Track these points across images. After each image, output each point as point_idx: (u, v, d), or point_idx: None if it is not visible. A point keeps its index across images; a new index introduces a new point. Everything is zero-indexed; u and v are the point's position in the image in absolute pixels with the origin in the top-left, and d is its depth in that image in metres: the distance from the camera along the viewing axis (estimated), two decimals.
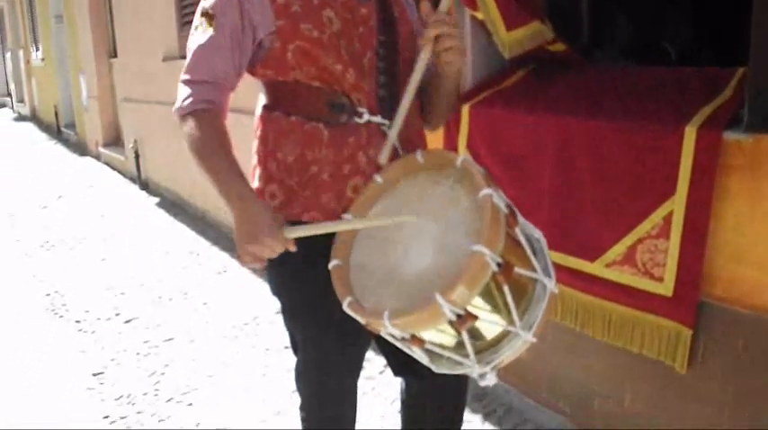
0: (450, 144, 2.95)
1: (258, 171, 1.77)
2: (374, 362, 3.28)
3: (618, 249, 2.40)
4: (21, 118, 18.87)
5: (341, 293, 1.52)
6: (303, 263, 1.66)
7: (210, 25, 1.67)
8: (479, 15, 2.85)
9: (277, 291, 1.88)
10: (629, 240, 2.37)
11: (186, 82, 1.68)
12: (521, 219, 1.53)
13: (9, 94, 21.73)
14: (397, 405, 2.16)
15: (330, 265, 1.58)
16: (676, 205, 2.20)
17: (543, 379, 2.87)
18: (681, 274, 2.24)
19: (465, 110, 2.89)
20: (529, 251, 1.48)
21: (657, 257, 2.29)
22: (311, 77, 1.67)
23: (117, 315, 4.43)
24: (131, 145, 8.41)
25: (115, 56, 9.57)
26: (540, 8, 3.05)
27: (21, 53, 17.81)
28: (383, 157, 1.66)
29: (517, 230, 1.47)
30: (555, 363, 2.80)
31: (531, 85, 2.94)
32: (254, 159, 1.79)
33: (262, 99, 1.78)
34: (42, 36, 14.42)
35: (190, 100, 1.65)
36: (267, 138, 1.75)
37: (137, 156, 8.28)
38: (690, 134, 2.15)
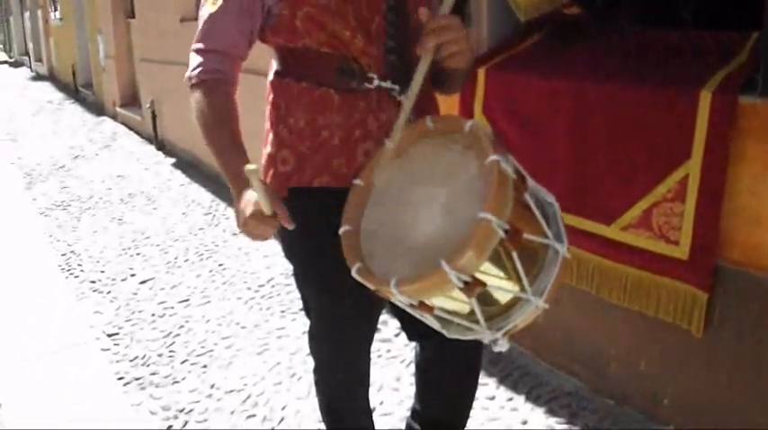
0: (466, 107, 2.94)
1: (270, 136, 1.79)
2: (389, 325, 3.31)
3: (633, 212, 2.41)
4: (38, 77, 18.94)
5: (350, 260, 1.53)
6: (314, 227, 1.68)
7: None
8: None
9: (289, 254, 1.89)
10: (644, 203, 2.37)
11: (197, 51, 1.70)
12: (531, 183, 1.51)
13: (27, 54, 21.80)
14: (413, 367, 2.18)
15: (340, 231, 1.58)
16: (692, 169, 2.21)
17: (559, 342, 2.89)
18: (696, 238, 2.25)
19: (480, 73, 2.88)
20: (540, 216, 1.47)
21: (673, 221, 2.30)
22: (320, 43, 1.67)
23: (132, 276, 4.48)
24: (148, 105, 8.43)
25: (133, 16, 9.54)
26: None
27: (39, 13, 17.84)
28: (396, 133, 1.63)
29: (526, 196, 1.45)
30: (571, 327, 2.82)
31: (547, 48, 2.92)
32: (267, 124, 1.81)
33: (273, 65, 1.79)
34: None
35: (200, 69, 1.67)
36: (279, 104, 1.76)
37: (153, 117, 8.30)
38: (705, 98, 2.14)
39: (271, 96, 1.79)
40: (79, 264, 4.77)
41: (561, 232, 1.53)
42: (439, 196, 1.49)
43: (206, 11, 1.71)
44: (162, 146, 8.26)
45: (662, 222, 2.33)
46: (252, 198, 1.51)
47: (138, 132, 9.35)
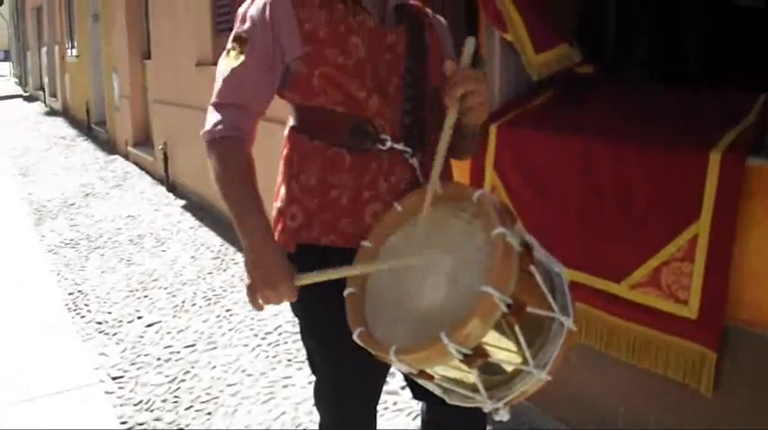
0: (478, 163, 3.00)
1: (282, 191, 1.83)
2: (397, 377, 3.32)
3: (643, 271, 2.45)
4: (52, 112, 19.18)
5: (352, 323, 1.57)
6: (321, 286, 1.69)
7: (243, 50, 1.73)
8: (508, 37, 2.92)
9: (294, 309, 1.92)
10: (654, 262, 2.42)
11: (216, 105, 1.75)
12: (540, 253, 1.55)
13: (42, 88, 22.12)
14: (419, 421, 2.21)
15: (345, 293, 1.62)
16: (701, 229, 2.26)
17: (568, 398, 2.90)
18: (705, 297, 2.29)
19: (492, 129, 2.94)
20: (545, 289, 1.49)
21: (682, 280, 2.34)
22: (336, 103, 1.72)
23: (139, 318, 4.51)
24: (160, 146, 8.54)
25: (149, 57, 9.72)
26: (569, 29, 3.11)
27: (56, 48, 18.14)
28: (425, 208, 1.64)
29: (533, 268, 1.47)
30: (580, 383, 2.84)
31: (558, 105, 3.00)
32: (279, 178, 1.85)
33: (290, 120, 1.84)
34: (78, 33, 14.67)
35: (219, 126, 1.71)
36: (292, 159, 1.80)
37: (165, 158, 8.40)
38: (714, 159, 2.20)
39: (285, 150, 1.83)
40: (86, 304, 4.81)
41: (568, 304, 1.55)
42: (444, 264, 1.52)
43: (227, 65, 1.76)
44: (173, 187, 8.34)
45: (671, 281, 2.37)
46: (280, 270, 1.61)
47: (149, 173, 9.45)
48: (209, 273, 5.37)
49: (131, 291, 5.04)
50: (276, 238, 1.77)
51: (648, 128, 2.57)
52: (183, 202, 7.76)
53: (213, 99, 1.76)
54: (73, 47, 15.66)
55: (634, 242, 2.47)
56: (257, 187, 1.71)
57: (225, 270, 5.44)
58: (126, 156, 10.84)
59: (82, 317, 4.60)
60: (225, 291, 4.97)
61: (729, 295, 2.25)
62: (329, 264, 1.66)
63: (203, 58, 6.98)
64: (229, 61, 1.76)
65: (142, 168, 9.85)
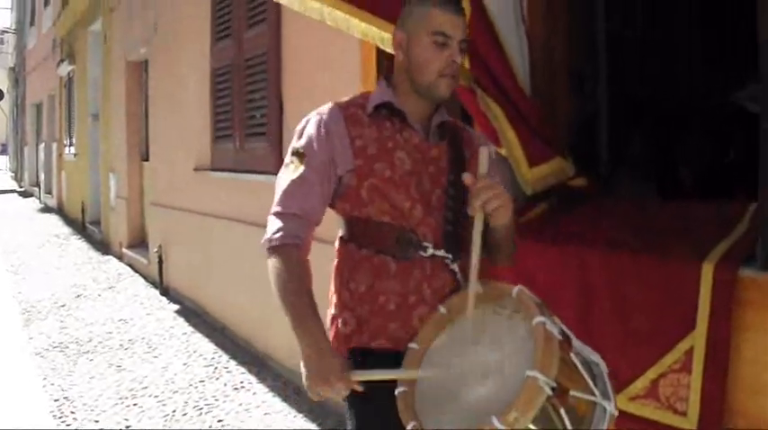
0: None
1: (334, 298, 2.02)
2: None
3: (641, 383, 2.51)
4: (47, 209, 19.34)
5: (405, 418, 1.70)
6: (371, 387, 1.85)
7: (301, 163, 1.97)
8: (502, 152, 3.06)
9: (347, 410, 2.04)
10: (652, 374, 2.49)
11: (277, 214, 1.96)
12: (578, 343, 1.70)
13: (38, 185, 22.42)
14: None
15: (396, 392, 1.77)
16: (697, 340, 2.34)
17: None
18: (704, 408, 2.35)
19: None
20: (586, 375, 1.63)
21: (680, 391, 2.40)
22: (382, 213, 1.94)
23: (128, 427, 4.50)
24: (156, 250, 8.62)
25: (147, 159, 9.93)
26: (562, 142, 3.27)
27: (54, 146, 18.48)
28: (469, 310, 1.79)
29: (572, 355, 1.62)
30: None
31: (554, 217, 3.12)
32: (331, 287, 2.04)
33: (339, 232, 2.04)
34: (77, 132, 14.96)
35: (280, 234, 1.93)
36: (342, 269, 2.01)
37: (160, 262, 8.47)
38: (707, 270, 2.31)
39: (336, 261, 2.03)
40: (72, 412, 4.80)
41: (608, 390, 1.69)
42: (489, 358, 1.66)
43: (287, 176, 1.99)
44: (166, 291, 8.39)
45: (669, 393, 2.44)
46: (339, 368, 1.79)
47: (143, 275, 9.49)
48: (202, 381, 5.37)
49: (120, 399, 5.02)
50: (330, 342, 1.93)
51: (642, 238, 2.68)
52: (176, 307, 7.77)
53: (273, 208, 1.97)
54: (71, 145, 15.94)
55: (631, 353, 2.54)
56: (312, 292, 1.89)
57: (218, 378, 5.44)
58: (120, 258, 10.92)
59: (67, 425, 4.58)
60: (217, 400, 4.96)
61: (727, 405, 2.31)
62: (380, 366, 1.84)
63: (201, 163, 7.16)
64: (288, 174, 1.99)
65: (136, 271, 9.90)
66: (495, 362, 1.64)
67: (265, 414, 4.64)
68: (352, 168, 1.96)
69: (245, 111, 6.08)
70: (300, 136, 2.03)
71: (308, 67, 5.01)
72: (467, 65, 2.88)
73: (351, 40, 3.06)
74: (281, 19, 5.39)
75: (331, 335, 2.00)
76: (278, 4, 2.74)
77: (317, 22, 2.76)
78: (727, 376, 2.31)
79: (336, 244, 2.06)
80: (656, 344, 2.46)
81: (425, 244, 1.95)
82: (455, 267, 1.98)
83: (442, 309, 1.86)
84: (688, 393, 2.38)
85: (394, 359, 1.85)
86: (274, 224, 1.95)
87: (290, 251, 1.92)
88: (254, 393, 5.06)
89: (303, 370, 1.83)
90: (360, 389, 1.82)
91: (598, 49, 3.94)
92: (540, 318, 1.58)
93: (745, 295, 2.28)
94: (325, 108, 2.05)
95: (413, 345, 1.83)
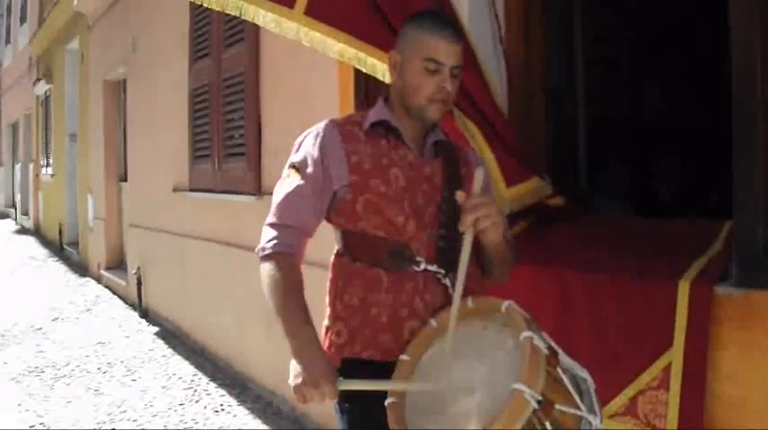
0: None
1: (328, 310, 2.07)
2: None
3: (620, 400, 2.54)
4: (23, 230, 19.24)
5: (393, 427, 1.75)
6: (362, 395, 1.87)
7: (297, 176, 2.03)
8: None
9: (339, 415, 2.08)
10: (630, 391, 2.51)
11: (272, 224, 2.03)
12: (566, 359, 1.73)
13: (14, 206, 22.28)
14: None
15: (386, 402, 1.80)
16: (674, 357, 2.38)
17: None
18: (682, 425, 2.38)
19: None
20: (572, 390, 1.66)
21: (659, 409, 2.44)
22: (376, 227, 1.99)
23: None
24: (134, 271, 8.60)
25: (125, 179, 9.92)
26: (540, 161, 3.31)
27: (31, 166, 18.38)
28: (451, 325, 1.82)
29: (559, 370, 1.65)
30: None
31: (531, 237, 3.14)
32: (327, 299, 2.08)
33: (335, 245, 2.09)
34: (55, 152, 14.89)
35: (274, 241, 1.99)
36: (337, 281, 2.07)
37: (139, 283, 8.44)
38: (683, 288, 2.36)
39: (331, 274, 2.09)
40: None
41: (595, 406, 1.73)
42: (477, 371, 1.71)
43: (283, 189, 2.06)
44: (145, 314, 8.35)
45: (648, 410, 2.47)
46: (328, 373, 1.82)
47: (121, 297, 9.45)
48: (181, 405, 5.35)
49: (98, 424, 4.99)
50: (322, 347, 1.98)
51: (620, 257, 2.72)
52: (155, 329, 7.74)
53: (268, 219, 2.04)
54: (48, 165, 15.86)
55: (610, 371, 2.56)
56: (304, 299, 1.95)
57: (197, 401, 5.42)
58: (98, 280, 10.86)
59: None
60: (197, 423, 4.95)
61: (705, 421, 2.35)
62: (370, 376, 1.88)
63: (180, 183, 7.14)
64: (284, 186, 2.07)
65: (114, 292, 9.86)
66: (482, 376, 1.69)
67: None
68: (347, 183, 2.01)
69: (224, 132, 6.09)
70: (298, 150, 2.10)
71: (286, 86, 5.03)
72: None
73: (329, 60, 3.08)
74: (260, 38, 5.41)
75: (325, 345, 2.04)
76: (257, 24, 2.77)
77: (295, 41, 2.79)
78: (704, 393, 2.34)
79: (332, 258, 2.10)
80: (634, 361, 2.49)
81: (418, 258, 1.99)
82: (447, 282, 2.00)
83: (434, 323, 1.89)
84: (666, 410, 2.41)
85: (385, 370, 1.88)
86: (268, 233, 2.01)
87: (284, 258, 1.97)
88: (235, 415, 5.05)
89: (292, 371, 1.86)
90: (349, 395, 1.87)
91: (576, 70, 4.00)
92: (527, 333, 1.61)
93: (721, 312, 2.32)
94: (323, 124, 2.11)
95: (404, 357, 1.87)
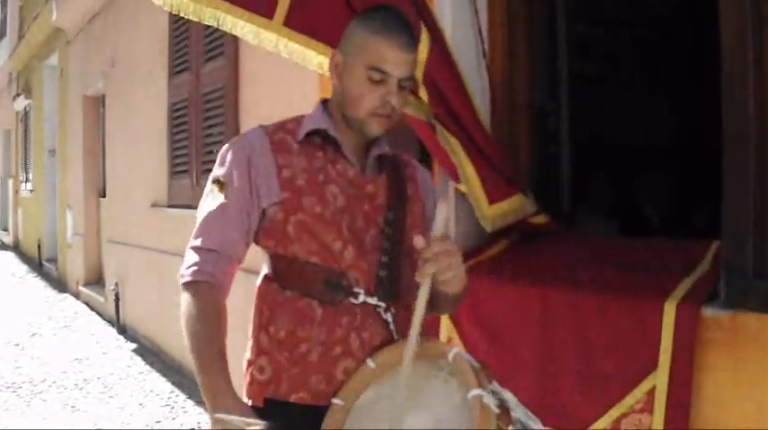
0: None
1: (251, 342, 1.82)
2: None
3: (603, 423, 2.47)
4: (3, 246, 19.03)
5: None
6: None
7: (221, 192, 1.78)
8: (462, 188, 3.01)
9: None
10: (614, 413, 2.44)
11: (194, 248, 1.77)
12: (519, 412, 1.58)
13: None
14: None
15: None
16: (659, 380, 2.31)
17: None
18: None
19: None
20: None
21: None
22: (310, 252, 1.74)
23: None
24: (112, 287, 8.50)
25: (104, 195, 9.83)
26: (523, 179, 3.24)
27: (10, 182, 18.23)
28: (404, 370, 1.62)
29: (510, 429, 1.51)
30: None
31: (514, 254, 3.08)
32: (250, 329, 1.83)
33: (264, 269, 1.85)
34: (34, 168, 14.78)
35: (194, 268, 1.74)
36: (262, 310, 1.80)
37: (117, 299, 8.35)
38: (669, 310, 2.29)
39: (255, 301, 1.83)
40: None
41: None
42: (419, 424, 1.53)
43: (206, 207, 1.80)
44: (123, 330, 8.25)
45: None
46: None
47: (100, 314, 9.34)
48: (158, 422, 5.27)
49: None
50: (245, 391, 1.78)
51: (605, 277, 2.66)
52: (133, 346, 7.65)
53: (192, 241, 1.79)
54: (27, 181, 15.73)
55: (594, 392, 2.50)
56: (223, 334, 1.71)
57: (174, 418, 5.33)
58: (77, 296, 10.73)
59: None
60: None
61: None
62: (297, 423, 1.66)
63: (158, 199, 7.07)
64: (207, 204, 1.81)
65: (93, 309, 9.74)
66: None
67: None
68: (277, 201, 1.75)
69: (203, 146, 6.01)
70: (222, 163, 1.83)
71: (266, 100, 4.97)
72: (425, 98, 2.84)
73: (309, 73, 3.00)
74: (239, 52, 5.34)
75: (246, 382, 1.80)
76: (236, 37, 2.67)
77: (275, 54, 2.70)
78: (688, 416, 2.27)
79: (258, 281, 1.84)
80: (619, 383, 2.42)
81: (357, 289, 1.74)
82: (388, 317, 1.76)
83: (371, 364, 1.69)
84: None
85: (316, 415, 1.67)
86: (189, 258, 1.76)
87: (203, 289, 1.73)
88: None
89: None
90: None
91: (560, 86, 3.94)
92: (476, 391, 1.45)
93: (707, 334, 2.25)
94: (251, 132, 1.85)
95: (337, 401, 1.67)
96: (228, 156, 1.83)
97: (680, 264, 2.57)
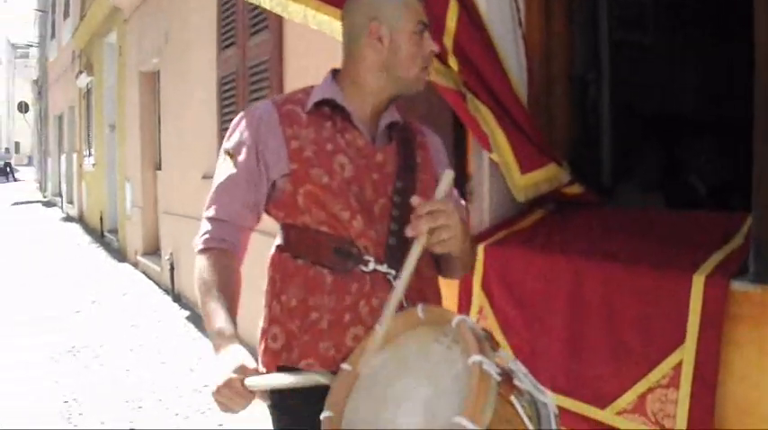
0: (465, 284, 3.02)
1: (265, 311, 1.84)
2: None
3: (628, 397, 2.40)
4: (69, 218, 19.46)
5: None
6: (297, 409, 1.73)
7: (231, 163, 1.80)
8: (494, 157, 2.95)
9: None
10: (640, 388, 2.38)
11: (208, 218, 1.81)
12: (525, 383, 1.52)
13: (60, 194, 22.54)
14: None
15: (322, 416, 1.59)
16: (686, 355, 2.23)
17: None
18: (691, 426, 2.24)
19: (480, 250, 2.97)
20: (527, 420, 1.46)
21: (668, 408, 2.29)
22: (319, 222, 1.74)
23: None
24: (167, 257, 8.65)
25: (160, 168, 9.99)
26: (559, 149, 3.15)
27: (75, 156, 18.58)
28: (386, 319, 1.61)
29: (513, 398, 1.45)
30: None
31: (547, 225, 3.02)
32: (264, 298, 1.86)
33: (276, 239, 1.86)
34: (96, 142, 15.04)
35: (206, 236, 1.79)
36: (275, 279, 1.82)
37: (171, 269, 8.50)
38: (698, 282, 2.20)
39: (269, 271, 1.85)
40: (80, 413, 4.79)
41: None
42: (422, 391, 1.50)
43: (218, 177, 1.83)
44: (178, 298, 8.39)
45: (656, 409, 2.32)
46: (228, 369, 1.57)
47: (156, 282, 9.53)
48: (206, 386, 5.28)
49: (127, 402, 5.00)
50: (260, 358, 1.81)
51: (637, 249, 2.57)
52: (186, 313, 7.77)
53: (205, 211, 1.82)
54: (90, 155, 16.04)
55: (620, 366, 2.44)
56: (236, 299, 1.75)
57: None
58: (135, 265, 10.96)
59: (75, 425, 4.58)
60: None
61: (715, 424, 2.20)
62: (307, 388, 1.64)
63: (209, 171, 7.10)
64: (219, 175, 1.83)
65: (149, 278, 9.95)
66: (426, 399, 1.48)
67: (267, 418, 4.54)
68: (287, 172, 1.75)
69: None
70: (232, 135, 1.85)
71: (310, 71, 4.91)
72: (455, 67, 2.77)
73: None
74: (283, 26, 5.34)
75: (260, 350, 1.83)
76: None
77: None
78: (714, 394, 2.19)
79: (272, 251, 1.86)
80: (645, 357, 2.35)
81: (366, 257, 1.73)
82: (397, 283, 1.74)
83: (380, 330, 1.64)
84: (675, 409, 2.27)
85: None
86: (203, 227, 1.81)
87: (216, 255, 1.77)
88: (256, 402, 4.95)
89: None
90: (265, 400, 1.64)
91: (601, 55, 3.80)
92: (476, 357, 1.39)
93: (737, 309, 2.16)
94: (260, 104, 1.87)
95: (345, 366, 1.65)
96: (238, 129, 1.84)
97: (714, 238, 2.47)
